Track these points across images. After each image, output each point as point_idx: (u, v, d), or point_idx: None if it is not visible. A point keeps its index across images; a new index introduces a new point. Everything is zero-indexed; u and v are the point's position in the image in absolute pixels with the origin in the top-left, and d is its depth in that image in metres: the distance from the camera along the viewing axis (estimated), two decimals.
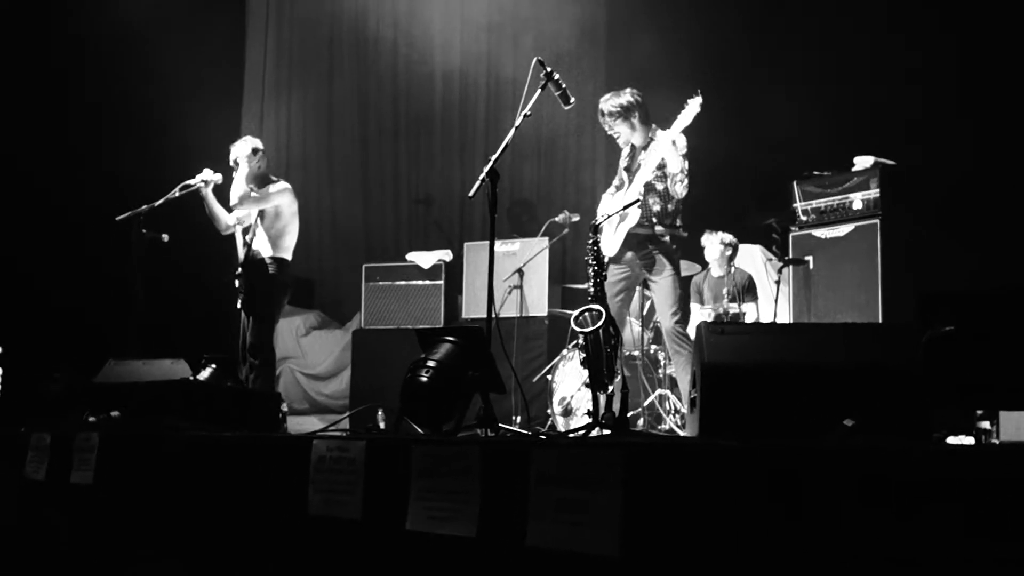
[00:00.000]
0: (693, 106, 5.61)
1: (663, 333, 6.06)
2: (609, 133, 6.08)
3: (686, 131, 5.68)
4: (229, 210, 6.80)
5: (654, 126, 5.96)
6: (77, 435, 3.81)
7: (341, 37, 11.10)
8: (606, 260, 5.90)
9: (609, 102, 5.98)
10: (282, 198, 6.75)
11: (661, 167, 5.81)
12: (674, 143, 5.67)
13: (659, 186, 5.88)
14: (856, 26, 7.76)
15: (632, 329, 6.88)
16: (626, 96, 5.97)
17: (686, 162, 5.77)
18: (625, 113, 5.95)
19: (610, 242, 5.89)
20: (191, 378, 4.86)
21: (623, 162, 6.16)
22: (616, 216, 5.76)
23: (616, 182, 6.23)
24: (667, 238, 5.91)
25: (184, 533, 3.37)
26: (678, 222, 5.99)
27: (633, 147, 6.08)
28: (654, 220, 5.90)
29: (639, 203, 5.71)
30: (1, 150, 8.36)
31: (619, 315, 5.90)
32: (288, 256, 6.84)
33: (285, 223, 6.79)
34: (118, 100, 8.95)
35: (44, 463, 3.92)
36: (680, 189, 5.80)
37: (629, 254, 5.95)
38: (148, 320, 6.84)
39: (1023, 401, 2.98)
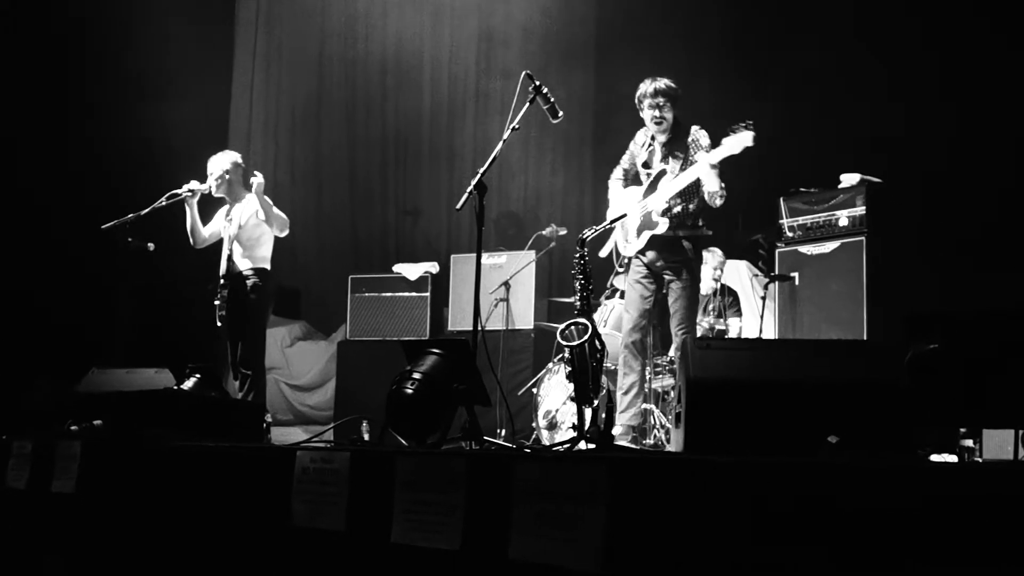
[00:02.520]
0: (744, 139, 5.33)
1: (673, 340, 5.90)
2: (653, 119, 5.70)
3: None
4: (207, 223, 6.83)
5: (695, 129, 5.70)
6: (59, 444, 3.79)
7: (330, 48, 11.09)
8: (625, 259, 5.84)
9: (662, 81, 5.68)
10: (255, 205, 6.74)
11: (692, 186, 5.61)
12: (713, 168, 5.45)
13: (684, 192, 5.64)
14: (843, 43, 7.80)
15: (618, 343, 6.88)
16: (673, 83, 5.71)
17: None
18: (676, 99, 5.70)
19: (632, 243, 5.76)
20: (175, 387, 4.84)
21: (640, 154, 5.90)
22: (637, 216, 5.67)
23: (626, 166, 6.02)
24: (688, 243, 5.69)
25: (167, 543, 3.35)
26: (700, 221, 5.75)
27: (653, 141, 5.83)
28: (676, 224, 5.67)
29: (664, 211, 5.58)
30: None
31: (644, 314, 5.75)
32: (268, 266, 6.83)
33: (261, 232, 6.79)
34: (103, 107, 8.92)
35: (26, 472, 3.89)
36: (719, 202, 5.57)
37: (651, 254, 5.73)
38: (133, 329, 6.82)
39: (1006, 420, 2.99)
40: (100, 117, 8.87)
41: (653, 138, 5.84)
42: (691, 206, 5.68)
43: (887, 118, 7.42)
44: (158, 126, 8.79)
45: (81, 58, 8.90)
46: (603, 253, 6.00)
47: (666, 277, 5.72)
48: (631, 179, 6.03)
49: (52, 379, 5.19)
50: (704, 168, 5.49)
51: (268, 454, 3.25)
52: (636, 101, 5.78)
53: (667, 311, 5.79)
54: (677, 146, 5.72)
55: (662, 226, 5.62)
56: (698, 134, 5.69)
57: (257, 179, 6.60)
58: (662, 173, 5.74)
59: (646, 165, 5.87)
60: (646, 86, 5.70)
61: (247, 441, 4.16)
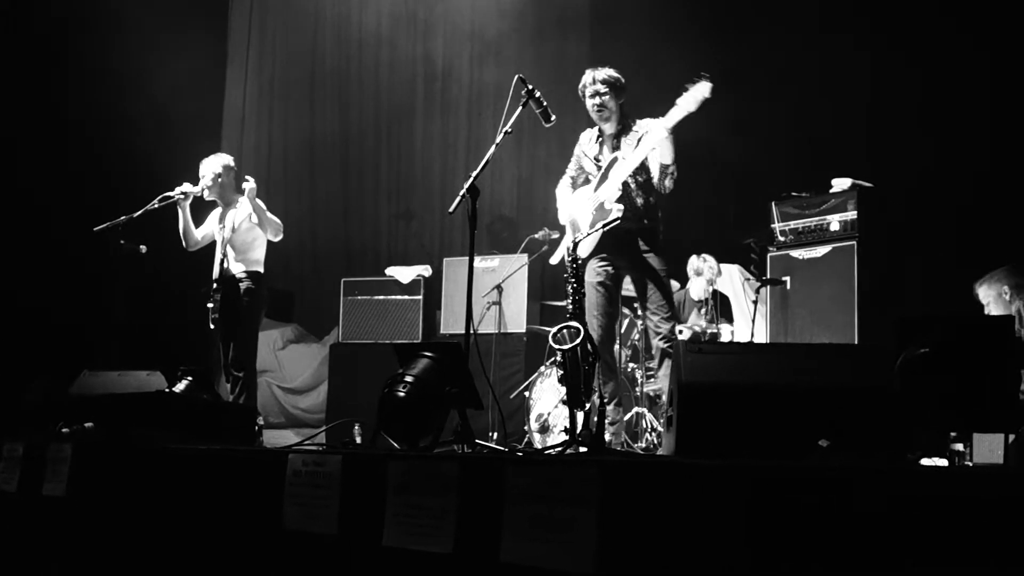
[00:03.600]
0: (701, 90, 5.10)
1: (650, 336, 5.64)
2: (594, 107, 5.57)
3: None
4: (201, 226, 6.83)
5: (645, 121, 5.49)
6: (50, 446, 3.78)
7: (324, 49, 11.10)
8: (581, 260, 5.58)
9: (604, 71, 5.56)
10: (248, 209, 6.73)
11: (645, 176, 5.45)
12: (669, 134, 5.22)
13: (640, 178, 5.48)
14: (836, 47, 7.82)
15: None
16: (616, 73, 5.59)
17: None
18: (619, 89, 5.57)
19: (584, 243, 5.36)
20: (167, 390, 4.83)
21: (590, 150, 5.73)
22: (590, 211, 5.47)
23: (572, 173, 5.82)
24: (656, 235, 5.56)
25: (158, 546, 3.35)
26: (659, 213, 5.60)
27: (601, 135, 5.69)
28: (642, 216, 5.50)
29: (620, 198, 5.34)
30: None
31: (606, 312, 5.54)
32: (261, 269, 6.83)
33: (255, 236, 6.79)
34: (96, 109, 8.90)
35: (16, 474, 3.88)
36: (669, 184, 5.40)
37: (609, 251, 5.53)
38: (125, 331, 6.80)
39: (996, 424, 3.01)
40: (97, 118, 8.86)
41: (601, 132, 5.70)
42: (652, 198, 5.53)
43: (879, 122, 7.45)
44: (150, 128, 8.79)
45: (74, 58, 8.88)
46: (554, 260, 5.61)
47: (637, 273, 5.56)
48: (579, 185, 5.79)
49: (47, 380, 5.17)
50: (659, 135, 5.24)
51: (260, 457, 3.25)
52: (579, 93, 5.67)
53: (646, 308, 5.59)
54: (627, 135, 5.57)
55: (615, 212, 5.31)
56: (649, 124, 5.44)
57: (249, 184, 6.59)
58: (613, 162, 5.54)
59: (597, 160, 5.68)
60: (586, 76, 5.61)
61: (239, 444, 4.15)
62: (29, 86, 8.65)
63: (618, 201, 5.39)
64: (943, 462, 3.69)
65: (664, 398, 5.47)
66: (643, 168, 5.46)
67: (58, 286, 8.39)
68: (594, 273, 5.57)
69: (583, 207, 5.59)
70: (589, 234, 5.23)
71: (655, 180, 5.45)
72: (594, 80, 5.57)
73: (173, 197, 6.64)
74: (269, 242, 6.89)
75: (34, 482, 3.75)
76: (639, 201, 5.53)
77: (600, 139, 5.73)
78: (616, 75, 5.59)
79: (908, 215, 6.94)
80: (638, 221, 5.51)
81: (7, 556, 3.96)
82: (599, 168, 5.63)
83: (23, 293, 8.27)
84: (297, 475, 2.84)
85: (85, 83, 8.89)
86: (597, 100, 5.56)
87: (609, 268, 5.59)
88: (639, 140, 5.46)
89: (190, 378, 4.81)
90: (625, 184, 5.46)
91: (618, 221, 5.20)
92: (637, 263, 5.55)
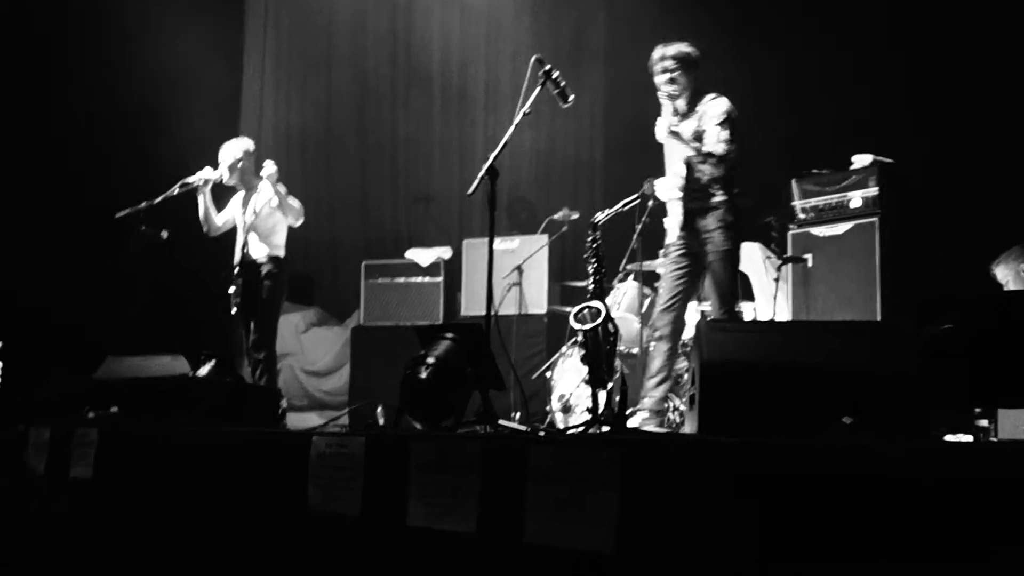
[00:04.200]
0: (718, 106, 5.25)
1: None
2: (664, 85, 5.42)
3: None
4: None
5: (709, 97, 5.40)
6: (75, 431, 3.82)
7: (339, 32, 11.07)
8: (666, 241, 5.55)
9: (675, 47, 5.38)
10: (269, 193, 6.75)
11: (700, 134, 5.30)
12: (676, 137, 5.24)
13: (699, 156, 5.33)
14: (857, 22, 7.75)
15: (631, 326, 6.89)
16: (691, 48, 5.41)
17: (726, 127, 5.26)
18: (691, 65, 5.40)
19: (671, 223, 5.47)
20: (190, 374, 4.86)
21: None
22: (674, 196, 5.43)
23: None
24: (721, 210, 5.33)
25: (183, 528, 3.38)
26: (735, 188, 5.37)
27: (676, 114, 5.50)
28: (710, 190, 5.34)
29: (685, 176, 5.27)
30: None
31: (677, 296, 5.43)
32: (282, 254, 6.84)
33: (276, 220, 6.80)
34: (116, 95, 8.93)
35: (43, 458, 3.93)
36: (716, 146, 5.23)
37: (684, 232, 5.45)
38: (147, 316, 6.84)
39: (1021, 400, 2.99)
40: (114, 106, 8.89)
41: (675, 111, 5.54)
42: (717, 171, 5.34)
43: (900, 97, 7.37)
44: (170, 114, 8.81)
45: (92, 45, 8.91)
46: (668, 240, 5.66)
47: (700, 254, 5.44)
48: None
49: (64, 373, 5.21)
50: (722, 108, 5.31)
51: (284, 439, 3.27)
52: (649, 69, 5.53)
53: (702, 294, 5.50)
54: (692, 115, 5.46)
55: (676, 204, 5.38)
56: (708, 104, 5.39)
57: (268, 168, 6.60)
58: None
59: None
60: (656, 52, 5.45)
61: (263, 427, 4.18)
62: (51, 75, 8.69)
63: (684, 178, 5.37)
64: (968, 438, 3.68)
65: (686, 377, 5.46)
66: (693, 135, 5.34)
67: (79, 272, 8.44)
68: (670, 256, 5.54)
69: (665, 184, 5.53)
70: (609, 214, 5.21)
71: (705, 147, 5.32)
72: (663, 56, 5.41)
73: (193, 183, 6.65)
74: (290, 226, 6.91)
75: (61, 466, 3.79)
76: (702, 180, 5.39)
77: (674, 118, 5.53)
78: (688, 50, 5.43)
79: (930, 191, 6.88)
80: (702, 200, 5.41)
81: (38, 537, 4.01)
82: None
83: (43, 280, 8.33)
84: (321, 457, 2.86)
85: (105, 71, 8.92)
86: (667, 77, 5.41)
87: (682, 250, 5.51)
88: (700, 118, 5.39)
89: (213, 362, 4.85)
90: (687, 162, 5.39)
91: (637, 200, 5.22)
92: (701, 244, 5.42)
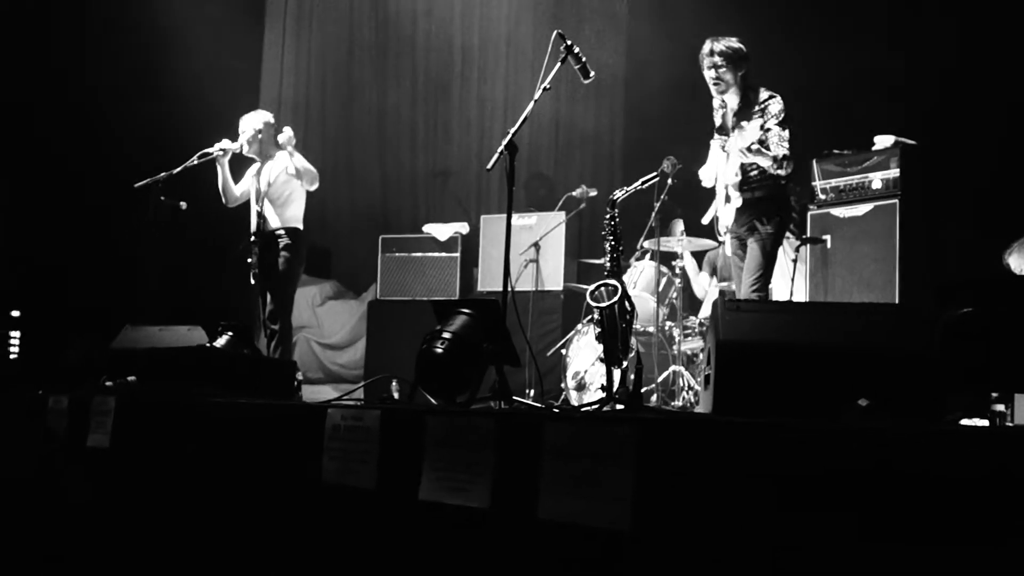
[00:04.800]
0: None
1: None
2: (711, 79, 5.49)
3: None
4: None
5: (766, 94, 5.42)
6: (94, 399, 3.84)
7: (362, 8, 11.05)
8: (723, 228, 5.63)
9: (723, 42, 5.44)
10: (285, 162, 6.78)
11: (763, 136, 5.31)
12: (750, 151, 5.28)
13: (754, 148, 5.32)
14: (879, 2, 7.68)
15: (647, 305, 6.88)
16: (740, 44, 5.47)
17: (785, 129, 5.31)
18: (738, 61, 5.44)
19: (724, 211, 5.56)
20: (207, 345, 4.88)
21: (717, 119, 5.71)
22: (722, 185, 5.52)
23: (715, 134, 5.75)
24: (776, 200, 5.46)
25: (198, 497, 3.40)
26: (781, 184, 5.45)
27: (725, 106, 5.62)
28: (766, 181, 5.43)
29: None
30: (19, 118, 8.39)
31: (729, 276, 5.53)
32: (300, 226, 6.86)
33: (292, 189, 6.82)
34: (135, 65, 8.95)
35: (62, 426, 3.96)
36: (779, 148, 5.28)
37: (737, 222, 5.56)
38: (165, 286, 6.87)
39: None
40: (134, 78, 8.90)
41: (724, 103, 5.63)
42: (774, 166, 5.36)
43: (923, 78, 7.30)
44: (190, 86, 8.82)
45: (114, 17, 8.91)
46: (705, 220, 5.85)
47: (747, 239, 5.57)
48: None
49: (87, 338, 5.24)
50: (734, 151, 5.38)
51: (299, 411, 3.28)
52: (699, 62, 5.57)
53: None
54: (747, 113, 5.46)
55: (735, 200, 5.47)
56: (769, 102, 5.40)
57: (285, 133, 6.63)
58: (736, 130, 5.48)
59: (722, 130, 5.67)
60: (705, 47, 5.50)
61: (278, 399, 4.20)
62: (70, 45, 8.70)
63: (741, 168, 5.43)
64: (984, 423, 3.66)
65: (702, 356, 5.45)
66: (759, 140, 5.34)
67: (98, 242, 8.49)
68: (731, 248, 5.67)
69: (724, 170, 5.59)
70: (628, 192, 5.17)
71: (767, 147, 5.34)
72: (711, 52, 5.46)
73: (212, 154, 6.68)
74: (308, 198, 6.92)
75: (79, 434, 3.82)
76: (754, 173, 5.47)
77: (723, 109, 5.66)
78: (736, 46, 5.47)
79: (952, 172, 6.82)
80: (759, 191, 5.48)
81: (55, 502, 4.05)
82: (722, 139, 5.62)
83: (63, 249, 8.38)
84: (336, 429, 2.87)
85: (126, 42, 8.93)
86: (714, 73, 5.48)
87: (737, 239, 5.64)
88: (762, 112, 5.39)
89: (230, 333, 4.86)
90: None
91: (656, 179, 5.18)
92: (751, 229, 5.52)
